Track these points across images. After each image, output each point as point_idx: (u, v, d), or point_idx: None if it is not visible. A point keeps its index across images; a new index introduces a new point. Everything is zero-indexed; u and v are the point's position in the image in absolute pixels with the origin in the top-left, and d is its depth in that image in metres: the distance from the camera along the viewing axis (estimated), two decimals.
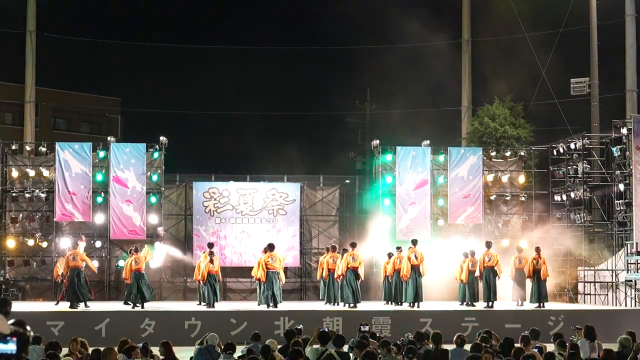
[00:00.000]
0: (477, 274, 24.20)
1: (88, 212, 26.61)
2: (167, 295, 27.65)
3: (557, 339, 13.37)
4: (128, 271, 23.05)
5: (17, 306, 21.70)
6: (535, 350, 12.17)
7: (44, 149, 27.23)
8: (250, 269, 24.52)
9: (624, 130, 26.03)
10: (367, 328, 13.94)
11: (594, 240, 28.13)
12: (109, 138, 27.85)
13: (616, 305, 25.13)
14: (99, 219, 26.86)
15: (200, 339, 14.24)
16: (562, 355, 12.16)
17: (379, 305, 23.95)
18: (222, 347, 13.19)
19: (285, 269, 24.84)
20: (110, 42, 40.90)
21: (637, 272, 24.71)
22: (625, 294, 25.04)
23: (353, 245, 23.67)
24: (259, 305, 23.18)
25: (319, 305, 23.85)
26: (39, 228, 27.00)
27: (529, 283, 24.38)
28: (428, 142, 28.14)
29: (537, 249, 24.53)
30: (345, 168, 39.51)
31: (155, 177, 27.27)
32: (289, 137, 39.61)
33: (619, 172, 26.25)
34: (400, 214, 27.33)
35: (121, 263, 26.47)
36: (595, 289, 26.35)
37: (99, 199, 26.78)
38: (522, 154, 29.04)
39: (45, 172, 26.90)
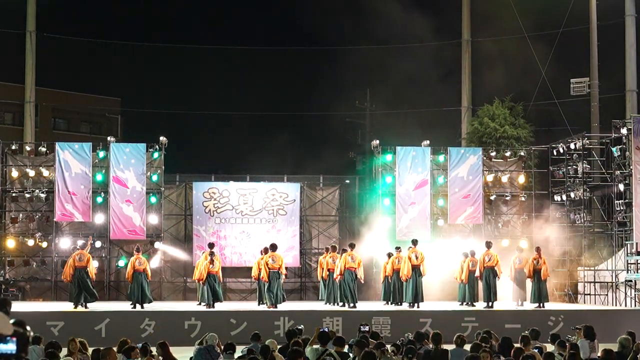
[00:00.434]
0: (477, 273, 24.21)
1: (88, 212, 26.61)
2: (167, 295, 27.66)
3: (555, 339, 13.37)
4: (130, 271, 23.21)
5: (17, 306, 21.70)
6: (535, 350, 12.18)
7: (44, 149, 27.23)
8: (250, 269, 24.56)
9: (624, 130, 26.03)
10: (367, 328, 13.95)
11: (594, 240, 28.12)
12: (109, 138, 27.84)
13: (616, 305, 25.13)
14: (99, 219, 26.86)
15: (200, 339, 14.24)
16: (562, 355, 12.17)
17: (379, 305, 23.95)
18: (222, 347, 13.20)
19: (285, 269, 24.85)
20: (110, 42, 40.92)
21: (637, 272, 24.71)
22: (625, 294, 25.04)
23: (352, 246, 23.68)
24: (258, 305, 23.20)
25: (319, 305, 23.85)
26: (39, 228, 27.00)
27: (529, 283, 24.40)
28: (428, 142, 28.14)
29: (538, 249, 24.56)
30: (345, 168, 39.50)
31: (155, 177, 27.27)
32: (289, 137, 39.63)
33: (619, 172, 26.25)
34: (400, 214, 27.33)
35: (121, 263, 26.52)
36: (595, 289, 26.35)
37: (99, 199, 26.78)
38: (522, 154, 29.04)
39: (45, 172, 26.90)
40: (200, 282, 23.40)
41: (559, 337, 13.88)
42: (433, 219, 27.69)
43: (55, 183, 26.58)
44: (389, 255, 24.74)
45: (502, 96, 32.81)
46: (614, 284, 25.59)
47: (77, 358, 12.28)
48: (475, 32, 36.06)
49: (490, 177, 28.33)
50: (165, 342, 12.65)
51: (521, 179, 28.53)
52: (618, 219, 26.40)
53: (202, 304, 23.20)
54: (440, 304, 24.42)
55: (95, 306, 22.65)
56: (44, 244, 26.82)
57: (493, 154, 28.72)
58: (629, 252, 25.19)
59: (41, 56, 34.93)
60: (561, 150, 27.80)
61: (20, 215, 26.89)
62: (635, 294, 24.82)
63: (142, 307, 22.76)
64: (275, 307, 22.37)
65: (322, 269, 24.70)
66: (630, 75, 32.06)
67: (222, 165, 36.40)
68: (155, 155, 27.32)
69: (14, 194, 26.93)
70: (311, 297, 27.87)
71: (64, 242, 26.68)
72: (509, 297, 24.82)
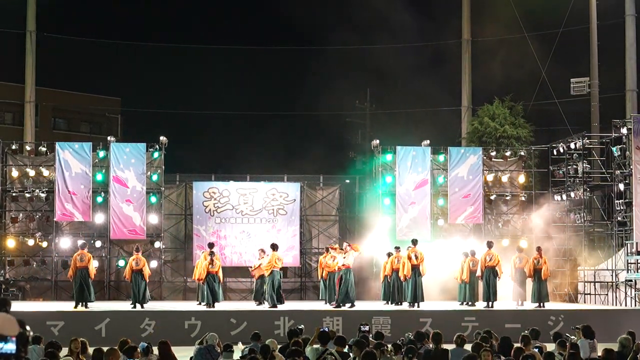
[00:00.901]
0: (478, 273, 24.22)
1: (88, 212, 26.61)
2: (167, 295, 27.67)
3: (557, 338, 13.37)
4: (128, 271, 23.26)
5: (17, 306, 21.72)
6: (535, 350, 12.18)
7: (44, 149, 27.23)
8: (250, 268, 24.61)
9: (624, 130, 26.02)
10: (367, 328, 13.96)
11: (594, 240, 28.12)
12: (109, 138, 27.85)
13: (616, 305, 25.12)
14: (99, 218, 26.86)
15: (200, 339, 14.24)
16: (562, 355, 12.17)
17: (379, 305, 23.94)
18: (222, 347, 13.19)
19: (285, 269, 24.88)
20: (110, 42, 40.91)
21: (637, 272, 24.71)
22: (625, 294, 25.04)
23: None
24: (254, 299, 23.31)
25: (319, 305, 23.85)
26: (39, 228, 27.00)
27: (529, 283, 24.40)
28: (428, 142, 28.14)
29: (539, 249, 24.57)
30: (345, 168, 39.51)
31: (155, 177, 27.27)
32: (289, 137, 39.65)
33: (619, 172, 26.24)
34: (400, 214, 27.33)
35: (121, 263, 26.52)
36: (595, 289, 26.35)
37: (99, 199, 26.78)
38: (522, 153, 29.04)
39: (45, 172, 26.89)
40: (200, 281, 23.41)
41: (561, 336, 13.88)
42: (433, 218, 27.69)
43: (55, 183, 26.58)
44: (389, 254, 24.73)
45: (502, 96, 32.82)
46: (614, 283, 25.58)
47: (77, 358, 12.27)
48: (475, 32, 36.06)
49: (490, 177, 28.33)
50: (166, 341, 12.64)
51: (521, 178, 28.53)
52: (618, 218, 26.38)
53: (202, 303, 23.22)
54: (440, 304, 24.41)
55: (95, 306, 22.67)
56: (44, 244, 26.82)
57: (493, 153, 28.73)
58: (629, 252, 25.19)
59: (41, 56, 34.90)
60: (561, 150, 27.80)
61: (20, 215, 26.90)
62: (635, 294, 24.81)
63: (142, 307, 22.77)
64: (276, 306, 22.39)
65: (322, 269, 24.68)
66: (630, 75, 32.03)
67: (222, 165, 36.43)
68: (155, 155, 27.32)
69: (14, 194, 26.93)
70: (311, 297, 27.87)
71: (64, 242, 26.69)
72: (509, 297, 24.81)
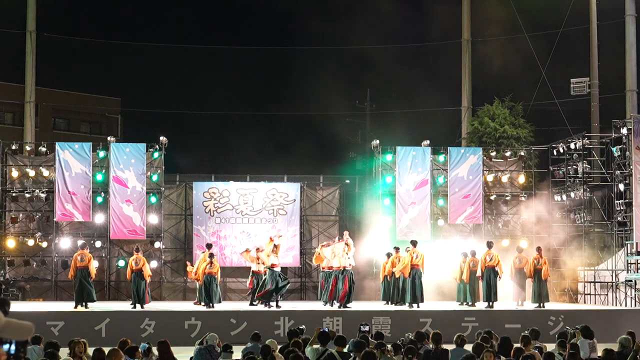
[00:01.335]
0: (478, 273, 24.20)
1: (88, 212, 26.60)
2: (167, 295, 27.67)
3: (560, 338, 13.37)
4: (129, 272, 23.29)
5: (17, 306, 21.75)
6: (535, 350, 12.18)
7: (44, 149, 27.23)
8: (250, 269, 24.63)
9: (624, 130, 26.02)
10: (367, 328, 13.97)
11: (594, 240, 28.12)
12: (109, 138, 27.85)
13: (616, 305, 25.12)
14: (99, 219, 26.87)
15: (200, 339, 14.25)
16: (562, 355, 12.17)
17: (379, 305, 23.94)
18: (222, 347, 13.20)
19: (285, 269, 24.87)
20: (110, 42, 40.93)
21: (637, 272, 24.71)
22: (625, 294, 25.04)
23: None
24: (252, 294, 23.34)
25: (319, 305, 23.84)
26: (39, 228, 27.00)
27: (529, 283, 24.39)
28: (428, 142, 28.13)
29: (539, 249, 24.56)
30: (345, 168, 39.51)
31: (155, 177, 27.26)
32: (288, 137, 39.65)
33: (619, 172, 26.24)
34: (400, 214, 27.32)
35: (121, 263, 26.53)
36: (595, 289, 26.34)
37: (99, 199, 26.78)
38: (522, 154, 29.03)
39: (45, 172, 26.89)
40: (198, 281, 23.45)
41: (566, 336, 13.87)
42: (433, 218, 27.68)
43: (55, 183, 26.58)
44: (388, 255, 24.74)
45: (502, 96, 32.81)
46: (614, 283, 25.58)
47: (78, 358, 12.26)
48: (475, 32, 36.07)
49: (490, 177, 28.33)
50: (165, 341, 12.64)
51: (521, 178, 28.52)
52: (618, 219, 26.39)
53: (202, 303, 23.23)
54: (440, 304, 24.41)
55: (95, 306, 22.67)
56: (44, 244, 26.81)
57: (493, 153, 28.72)
58: (629, 252, 25.19)
59: (41, 56, 34.93)
60: (561, 150, 27.79)
61: (20, 215, 26.90)
62: (635, 294, 24.81)
63: (142, 307, 22.78)
64: (277, 306, 22.39)
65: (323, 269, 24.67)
66: (630, 75, 32.04)
67: (222, 165, 36.43)
68: (155, 155, 27.32)
69: (14, 194, 26.93)
70: (311, 297, 27.86)
71: (64, 242, 26.69)
72: (509, 297, 24.81)
